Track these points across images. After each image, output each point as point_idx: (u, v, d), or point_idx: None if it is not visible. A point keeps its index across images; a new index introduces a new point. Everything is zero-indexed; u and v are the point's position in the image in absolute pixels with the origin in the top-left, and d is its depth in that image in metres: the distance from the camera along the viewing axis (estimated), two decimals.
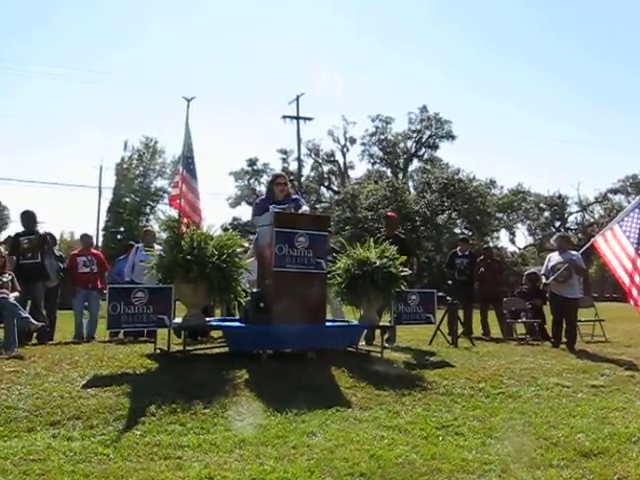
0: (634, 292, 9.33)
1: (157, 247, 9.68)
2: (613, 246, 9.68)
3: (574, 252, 10.62)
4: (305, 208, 8.10)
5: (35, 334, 8.86)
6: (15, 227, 47.12)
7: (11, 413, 5.15)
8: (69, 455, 4.35)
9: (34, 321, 7.88)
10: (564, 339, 10.24)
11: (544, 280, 10.59)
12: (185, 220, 7.59)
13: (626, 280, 9.37)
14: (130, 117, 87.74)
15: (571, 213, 55.71)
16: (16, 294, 8.17)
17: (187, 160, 8.00)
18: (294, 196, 8.43)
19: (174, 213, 8.06)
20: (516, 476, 4.23)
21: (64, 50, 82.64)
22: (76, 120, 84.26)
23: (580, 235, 49.64)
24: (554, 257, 10.52)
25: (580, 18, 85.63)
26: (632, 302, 9.41)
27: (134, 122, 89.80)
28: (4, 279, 8.19)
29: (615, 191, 54.01)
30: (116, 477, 3.99)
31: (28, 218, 9.64)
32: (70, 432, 4.85)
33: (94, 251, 11.07)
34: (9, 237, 10.41)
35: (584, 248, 10.79)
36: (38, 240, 9.36)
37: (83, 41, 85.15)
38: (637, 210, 9.76)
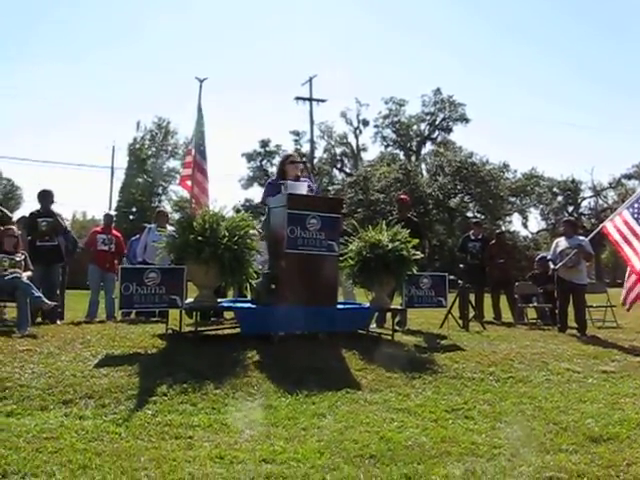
0: None
1: (169, 228, 9.72)
2: (623, 230, 9.63)
3: (582, 237, 10.58)
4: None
5: (40, 312, 8.86)
6: (28, 207, 47.49)
7: (24, 391, 5.20)
8: (81, 433, 4.39)
9: (47, 300, 7.92)
10: (572, 324, 10.21)
11: (552, 265, 10.55)
12: (193, 201, 7.60)
13: (637, 264, 9.33)
14: (143, 97, 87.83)
15: (584, 198, 55.39)
16: (29, 273, 8.21)
17: (198, 141, 8.01)
18: (304, 178, 8.41)
19: (186, 194, 8.09)
20: (525, 460, 4.23)
21: (77, 32, 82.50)
22: (88, 100, 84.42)
23: (593, 220, 49.32)
24: (561, 242, 10.47)
25: (595, 3, 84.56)
26: None
27: (147, 102, 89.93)
28: (17, 258, 8.23)
29: (629, 176, 53.65)
30: (127, 456, 4.01)
31: (45, 197, 9.63)
32: (82, 411, 4.90)
33: (115, 232, 11.02)
34: (22, 217, 10.41)
35: (593, 233, 10.73)
36: (56, 223, 9.37)
37: (96, 24, 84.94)
38: None
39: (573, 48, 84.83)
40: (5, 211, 9.57)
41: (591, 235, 10.70)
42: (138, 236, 11.23)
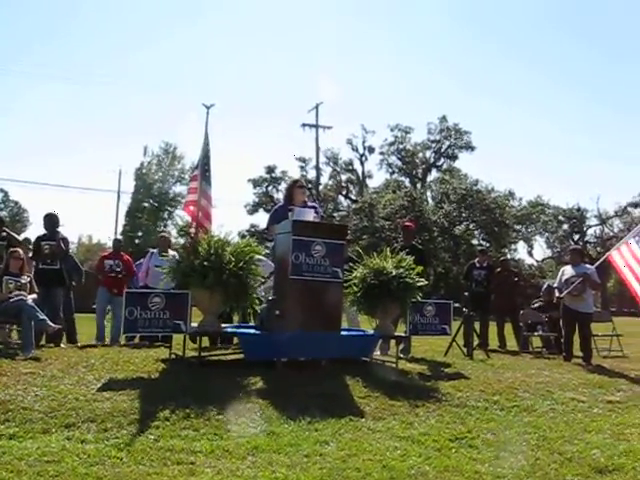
0: None
1: (171, 252, 9.78)
2: (628, 260, 9.65)
3: (589, 266, 10.58)
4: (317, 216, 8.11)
5: (44, 335, 8.86)
6: (34, 229, 47.71)
7: (27, 414, 5.19)
8: (83, 458, 4.38)
9: (51, 323, 7.94)
10: (577, 353, 10.17)
11: (557, 294, 10.53)
12: (194, 225, 7.63)
13: None
14: (149, 121, 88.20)
15: (590, 226, 55.30)
16: (34, 296, 8.25)
17: (204, 167, 8.06)
18: (311, 203, 8.45)
19: (189, 219, 8.12)
20: None
21: (82, 54, 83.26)
22: (95, 124, 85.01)
23: (599, 249, 49.19)
24: (568, 270, 10.47)
25: (599, 26, 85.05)
26: None
27: (153, 126, 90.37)
28: (22, 281, 8.27)
29: (635, 205, 53.52)
30: None
31: (50, 221, 9.69)
32: (84, 435, 4.88)
33: (124, 256, 11.10)
34: (25, 239, 10.46)
35: (599, 262, 10.73)
36: (59, 247, 9.41)
37: (101, 45, 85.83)
38: None
39: (579, 74, 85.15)
40: (12, 234, 9.63)
41: (597, 263, 10.69)
42: (142, 261, 11.28)
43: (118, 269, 10.58)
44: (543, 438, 5.54)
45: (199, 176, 8.04)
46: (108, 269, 10.57)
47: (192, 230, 7.59)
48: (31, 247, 9.84)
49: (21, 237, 11.13)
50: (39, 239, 9.57)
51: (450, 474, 4.44)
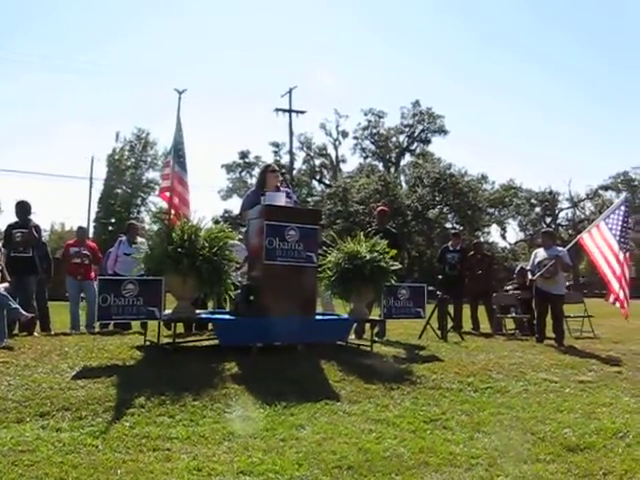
0: (615, 288, 9.46)
1: (140, 240, 9.75)
2: (599, 242, 9.79)
3: (560, 248, 10.70)
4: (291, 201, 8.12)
5: (17, 324, 8.82)
6: (5, 218, 47.02)
7: (0, 404, 5.14)
8: (58, 446, 4.35)
9: (24, 312, 7.86)
10: (550, 334, 10.29)
11: (530, 276, 10.63)
12: (173, 212, 7.59)
13: (609, 277, 9.52)
14: (122, 109, 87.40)
15: (562, 209, 55.95)
16: (6, 285, 8.15)
17: (177, 152, 7.99)
18: (284, 188, 8.44)
19: (165, 205, 8.06)
20: (503, 470, 4.25)
21: (56, 42, 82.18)
22: (67, 111, 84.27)
23: (571, 231, 49.73)
24: (540, 253, 10.57)
25: (573, 11, 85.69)
26: (612, 298, 9.57)
27: (126, 114, 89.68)
28: None
29: (606, 187, 54.28)
30: (105, 468, 3.99)
31: (22, 209, 9.57)
32: (59, 423, 4.85)
33: (89, 243, 11.15)
34: None
35: (570, 244, 10.87)
36: (29, 234, 9.31)
37: (74, 33, 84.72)
38: (622, 207, 9.86)
39: (551, 58, 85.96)
40: None
41: (568, 246, 10.83)
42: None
43: (84, 257, 10.56)
44: (516, 418, 5.61)
45: (172, 162, 7.98)
46: (73, 255, 10.54)
47: (170, 216, 7.53)
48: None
49: None
50: (10, 227, 9.45)
51: (425, 455, 4.48)
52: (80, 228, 11.54)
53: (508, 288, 13.26)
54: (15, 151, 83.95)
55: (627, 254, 9.69)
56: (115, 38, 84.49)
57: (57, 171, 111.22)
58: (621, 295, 9.47)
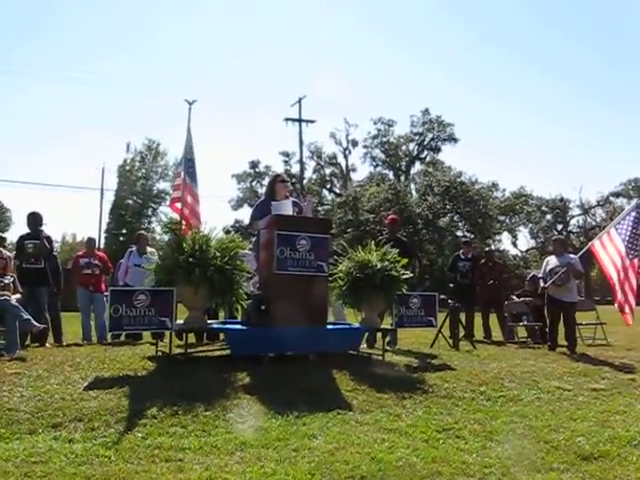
0: (620, 297, 9.42)
1: (150, 250, 9.78)
2: (609, 249, 9.74)
3: (572, 255, 10.66)
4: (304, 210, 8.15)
5: (29, 335, 8.82)
6: (17, 229, 47.34)
7: (13, 415, 5.16)
8: (70, 457, 4.35)
9: (36, 323, 7.90)
10: (562, 342, 10.24)
11: (542, 284, 10.59)
12: (185, 223, 7.61)
13: (617, 284, 9.48)
14: (132, 119, 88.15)
15: (573, 216, 55.81)
16: (18, 296, 8.20)
17: (188, 163, 8.02)
18: (292, 198, 8.45)
19: (176, 215, 8.08)
20: (516, 479, 4.23)
21: (66, 52, 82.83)
22: (78, 122, 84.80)
23: (582, 238, 49.64)
24: (552, 260, 10.54)
25: (585, 19, 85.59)
26: (617, 306, 9.52)
27: (136, 124, 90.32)
28: (6, 281, 8.22)
29: (617, 194, 54.13)
30: (117, 479, 3.99)
31: (34, 220, 9.61)
32: (72, 434, 4.86)
33: (99, 253, 11.20)
34: (2, 238, 10.34)
35: (582, 252, 10.80)
36: (40, 245, 9.34)
37: (85, 43, 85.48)
38: (633, 213, 9.81)
39: (562, 65, 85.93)
40: None
41: (580, 253, 10.76)
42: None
43: (94, 268, 10.58)
44: (529, 427, 5.58)
45: (183, 173, 8.00)
46: (84, 266, 10.57)
47: (182, 226, 7.55)
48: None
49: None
50: (22, 238, 9.49)
51: (438, 465, 4.46)
52: (89, 239, 11.60)
53: (515, 296, 13.21)
54: (26, 162, 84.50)
55: (636, 260, 9.63)
56: (124, 49, 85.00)
57: (68, 182, 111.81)
58: (622, 299, 9.41)
